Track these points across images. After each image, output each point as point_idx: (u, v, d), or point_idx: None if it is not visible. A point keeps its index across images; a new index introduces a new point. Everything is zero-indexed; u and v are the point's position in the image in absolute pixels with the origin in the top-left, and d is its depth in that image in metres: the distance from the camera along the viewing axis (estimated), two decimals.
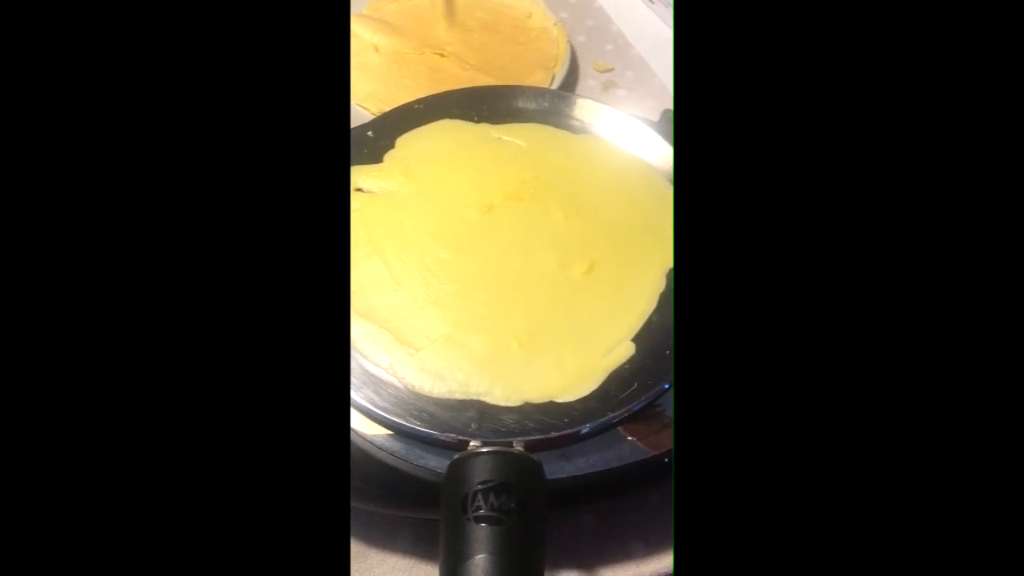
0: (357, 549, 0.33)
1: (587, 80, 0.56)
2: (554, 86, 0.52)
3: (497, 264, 0.34)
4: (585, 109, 0.42)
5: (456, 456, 0.25)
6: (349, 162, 0.37)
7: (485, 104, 0.42)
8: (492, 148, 0.40)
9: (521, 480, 0.24)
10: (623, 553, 0.32)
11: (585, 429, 0.28)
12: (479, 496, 0.23)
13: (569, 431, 0.28)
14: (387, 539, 0.33)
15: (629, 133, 0.40)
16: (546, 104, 0.42)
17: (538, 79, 0.52)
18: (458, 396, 0.29)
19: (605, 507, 0.33)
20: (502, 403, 0.29)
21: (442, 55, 0.54)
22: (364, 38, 0.55)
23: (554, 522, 0.27)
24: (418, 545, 0.33)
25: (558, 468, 0.27)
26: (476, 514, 0.22)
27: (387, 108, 0.49)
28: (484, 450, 0.25)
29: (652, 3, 0.61)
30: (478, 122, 0.41)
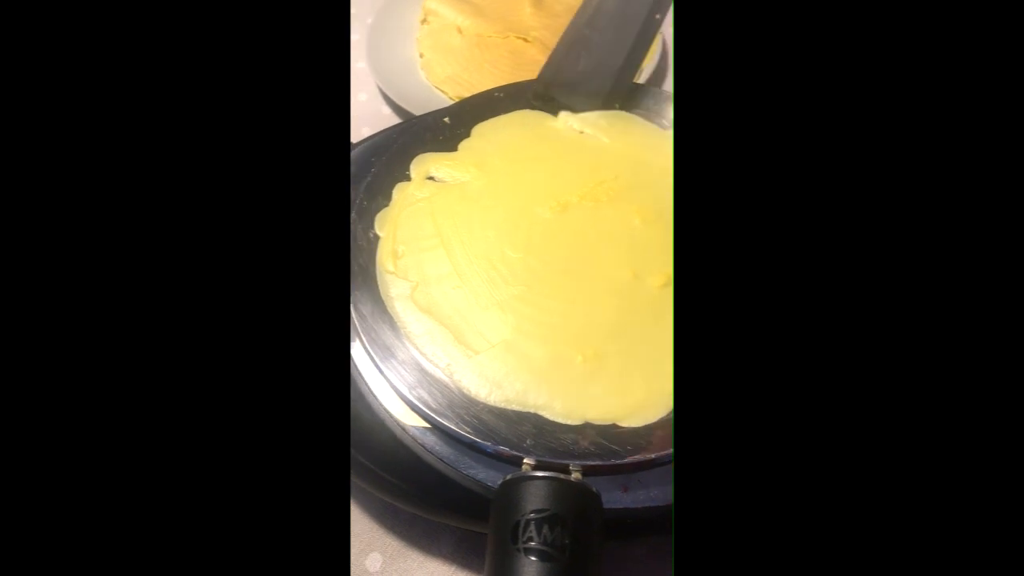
0: (397, 548, 0.32)
1: None
2: (641, 80, 0.49)
3: (567, 269, 0.32)
4: None
5: (509, 476, 0.24)
6: (349, 169, 0.37)
7: None
8: (572, 144, 0.38)
9: (577, 513, 0.22)
10: None
11: (649, 460, 0.26)
12: (531, 526, 0.21)
13: (631, 460, 0.26)
14: (428, 541, 0.32)
15: None
16: (633, 97, 0.40)
17: None
18: (515, 407, 0.28)
19: (658, 540, 0.31)
20: (561, 420, 0.27)
21: (526, 40, 0.52)
22: (448, 18, 0.54)
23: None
24: (459, 552, 0.32)
25: (615, 498, 0.25)
26: (527, 545, 0.21)
27: (465, 92, 0.48)
28: (539, 474, 0.23)
29: None
30: (559, 114, 0.39)
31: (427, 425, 0.28)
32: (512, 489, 0.23)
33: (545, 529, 0.21)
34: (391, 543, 0.32)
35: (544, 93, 0.39)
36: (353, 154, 0.38)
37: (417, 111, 0.46)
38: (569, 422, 0.27)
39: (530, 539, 0.21)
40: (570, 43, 0.39)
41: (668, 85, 0.52)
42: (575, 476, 0.24)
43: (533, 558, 0.21)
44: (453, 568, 0.31)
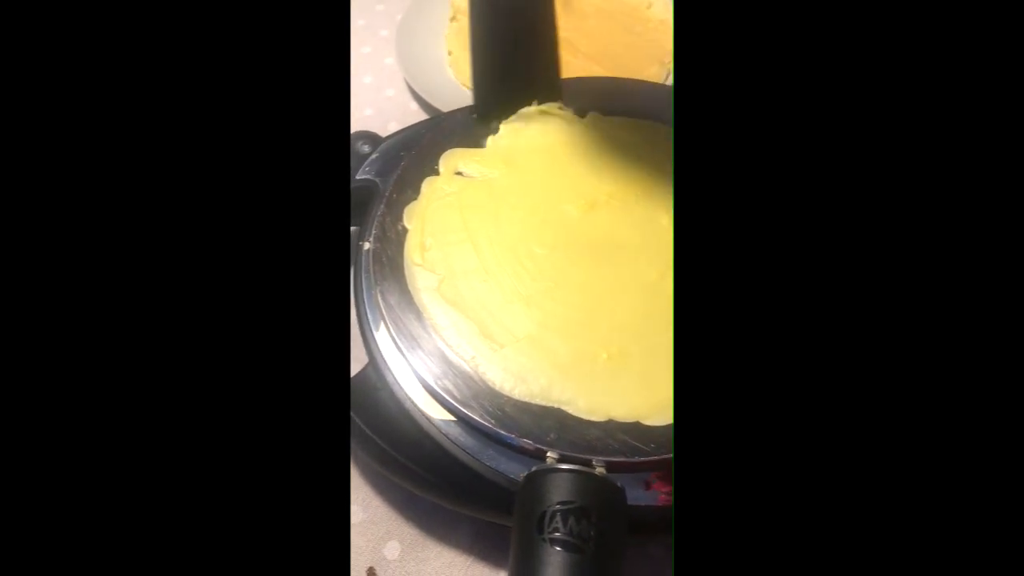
0: (415, 537, 0.32)
1: None
2: (668, 82, 0.49)
3: (593, 266, 0.32)
4: None
5: (535, 468, 0.24)
6: (349, 172, 0.37)
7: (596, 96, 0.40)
8: (599, 143, 0.38)
9: (603, 506, 0.22)
10: None
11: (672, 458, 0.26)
12: (557, 517, 0.21)
13: (654, 458, 0.26)
14: (447, 531, 0.32)
15: None
16: (662, 102, 0.40)
17: (652, 73, 0.49)
18: (539, 401, 0.28)
19: None
20: (585, 416, 0.28)
21: None
22: None
23: None
24: (477, 543, 0.32)
25: (637, 495, 0.26)
26: (552, 535, 0.21)
27: None
28: (566, 467, 0.23)
29: None
30: (586, 115, 0.39)
31: (451, 416, 0.29)
32: (538, 480, 0.23)
33: (571, 520, 0.21)
34: (410, 532, 0.32)
35: (485, 115, 0.38)
36: (382, 148, 0.39)
37: (444, 107, 0.47)
38: (592, 418, 0.27)
39: (555, 530, 0.21)
40: (481, 63, 0.38)
41: None
42: (598, 471, 0.24)
43: (558, 548, 0.21)
44: (470, 559, 0.31)
